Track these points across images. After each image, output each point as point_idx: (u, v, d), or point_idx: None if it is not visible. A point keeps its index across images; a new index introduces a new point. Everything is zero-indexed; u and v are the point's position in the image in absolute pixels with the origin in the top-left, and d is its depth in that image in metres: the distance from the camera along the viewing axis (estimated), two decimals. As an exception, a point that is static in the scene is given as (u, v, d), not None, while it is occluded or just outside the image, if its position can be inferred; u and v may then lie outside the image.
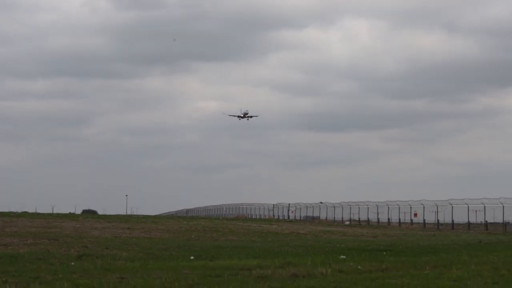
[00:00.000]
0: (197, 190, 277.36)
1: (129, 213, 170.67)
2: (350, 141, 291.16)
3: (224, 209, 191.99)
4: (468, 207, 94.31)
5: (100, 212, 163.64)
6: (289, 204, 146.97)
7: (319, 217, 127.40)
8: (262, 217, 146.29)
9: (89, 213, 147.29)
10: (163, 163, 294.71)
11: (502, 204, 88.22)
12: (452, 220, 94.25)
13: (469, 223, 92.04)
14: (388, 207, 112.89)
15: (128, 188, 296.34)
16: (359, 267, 23.16)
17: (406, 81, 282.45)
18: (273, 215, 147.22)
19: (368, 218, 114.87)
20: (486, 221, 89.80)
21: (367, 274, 21.21)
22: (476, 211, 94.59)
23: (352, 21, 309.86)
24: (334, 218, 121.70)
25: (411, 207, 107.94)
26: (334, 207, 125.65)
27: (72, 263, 25.20)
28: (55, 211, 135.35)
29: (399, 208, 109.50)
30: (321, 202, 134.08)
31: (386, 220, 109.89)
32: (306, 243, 46.11)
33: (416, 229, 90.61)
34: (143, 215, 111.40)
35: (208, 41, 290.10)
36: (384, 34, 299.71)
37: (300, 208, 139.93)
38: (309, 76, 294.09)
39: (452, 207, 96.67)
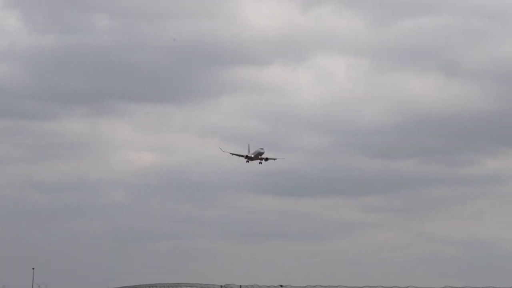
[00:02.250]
0: (124, 264, 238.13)
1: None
2: (320, 210, 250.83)
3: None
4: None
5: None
6: (240, 286, 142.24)
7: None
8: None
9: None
10: (81, 228, 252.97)
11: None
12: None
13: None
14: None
15: (35, 260, 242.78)
16: None
17: (392, 135, 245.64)
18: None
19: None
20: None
21: None
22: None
23: (327, 58, 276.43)
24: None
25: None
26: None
27: None
28: None
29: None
30: (281, 286, 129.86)
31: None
32: None
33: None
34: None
35: (145, 76, 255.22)
36: (366, 75, 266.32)
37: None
38: (271, 126, 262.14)
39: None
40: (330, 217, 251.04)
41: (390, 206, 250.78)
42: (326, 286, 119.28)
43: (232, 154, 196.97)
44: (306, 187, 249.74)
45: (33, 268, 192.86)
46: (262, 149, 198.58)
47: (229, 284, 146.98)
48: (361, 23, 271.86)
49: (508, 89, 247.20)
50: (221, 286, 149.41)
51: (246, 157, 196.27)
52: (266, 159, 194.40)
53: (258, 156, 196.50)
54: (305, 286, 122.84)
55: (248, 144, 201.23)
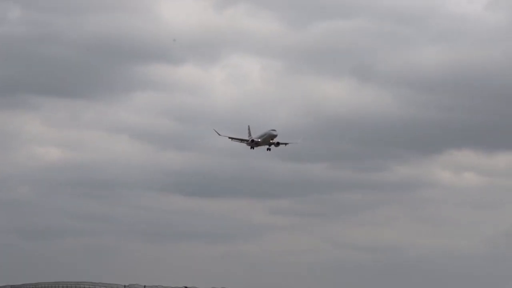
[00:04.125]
0: (27, 261, 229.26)
1: None
2: (229, 211, 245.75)
3: (61, 287, 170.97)
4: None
5: None
6: (144, 286, 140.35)
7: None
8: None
9: None
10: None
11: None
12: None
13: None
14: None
15: None
16: None
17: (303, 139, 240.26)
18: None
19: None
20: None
21: None
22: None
23: (241, 58, 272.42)
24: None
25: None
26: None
27: None
28: None
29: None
30: (186, 287, 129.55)
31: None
32: None
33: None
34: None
35: (58, 70, 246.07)
36: (279, 77, 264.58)
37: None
38: (182, 125, 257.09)
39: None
40: (239, 219, 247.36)
41: (299, 209, 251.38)
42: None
43: (232, 138, 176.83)
44: (216, 188, 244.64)
45: None
46: (274, 130, 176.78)
47: (133, 284, 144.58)
48: (276, 25, 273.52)
49: (421, 95, 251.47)
50: (124, 286, 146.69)
51: (252, 142, 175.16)
52: (278, 143, 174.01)
53: (268, 140, 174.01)
54: None
55: (249, 126, 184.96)
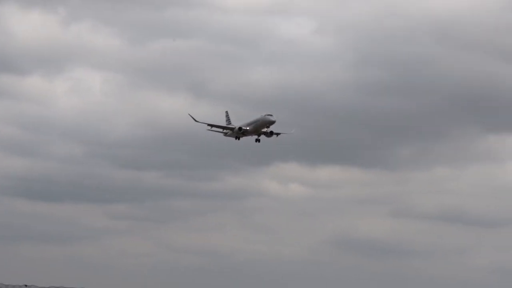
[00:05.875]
0: None
1: None
2: (69, 215, 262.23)
3: None
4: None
5: None
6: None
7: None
8: None
9: None
10: None
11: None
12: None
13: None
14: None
15: None
16: None
17: (140, 148, 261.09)
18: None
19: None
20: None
21: None
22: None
23: (84, 72, 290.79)
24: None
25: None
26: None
27: None
28: None
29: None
30: (26, 285, 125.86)
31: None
32: None
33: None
34: None
35: None
36: (119, 90, 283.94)
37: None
38: (28, 133, 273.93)
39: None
40: (79, 222, 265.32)
41: (136, 214, 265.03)
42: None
43: (212, 125, 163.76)
44: (57, 193, 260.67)
45: None
46: (271, 116, 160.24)
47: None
48: (118, 41, 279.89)
49: (252, 112, 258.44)
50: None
51: (239, 130, 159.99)
52: (271, 133, 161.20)
53: (261, 128, 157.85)
54: (49, 287, 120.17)
55: (227, 112, 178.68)
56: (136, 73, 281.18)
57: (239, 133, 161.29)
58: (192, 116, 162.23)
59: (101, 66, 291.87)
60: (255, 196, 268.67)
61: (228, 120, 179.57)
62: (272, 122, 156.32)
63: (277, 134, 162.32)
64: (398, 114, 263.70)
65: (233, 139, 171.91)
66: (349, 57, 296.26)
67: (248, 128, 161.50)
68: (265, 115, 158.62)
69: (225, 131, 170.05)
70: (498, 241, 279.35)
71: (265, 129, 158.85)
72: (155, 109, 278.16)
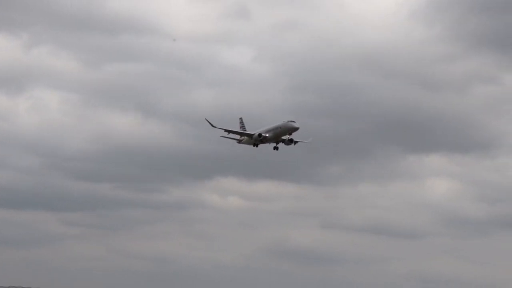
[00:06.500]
0: None
1: None
2: (29, 222, 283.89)
3: None
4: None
5: None
6: None
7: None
8: None
9: None
10: None
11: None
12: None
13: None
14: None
15: None
16: None
17: (94, 162, 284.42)
18: None
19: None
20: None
21: None
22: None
23: (43, 91, 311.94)
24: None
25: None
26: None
27: None
28: None
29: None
30: None
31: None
32: None
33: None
34: None
35: None
36: (76, 108, 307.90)
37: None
38: None
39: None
40: (36, 228, 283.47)
41: (88, 222, 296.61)
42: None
43: (229, 131, 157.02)
44: (17, 201, 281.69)
45: None
46: (294, 122, 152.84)
47: None
48: (75, 64, 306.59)
49: (196, 130, 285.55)
50: None
51: (259, 136, 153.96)
52: (291, 141, 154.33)
53: (282, 135, 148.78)
54: (8, 287, 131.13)
55: (241, 118, 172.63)
56: (91, 93, 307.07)
57: (258, 139, 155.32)
58: (209, 121, 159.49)
59: (59, 86, 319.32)
60: (197, 208, 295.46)
61: (242, 127, 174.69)
62: (296, 129, 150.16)
63: (295, 142, 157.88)
64: (328, 135, 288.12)
65: (245, 145, 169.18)
66: (284, 83, 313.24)
67: (267, 135, 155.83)
68: (288, 122, 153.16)
69: (241, 138, 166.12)
70: (417, 252, 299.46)
71: (286, 136, 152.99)
72: (107, 127, 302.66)
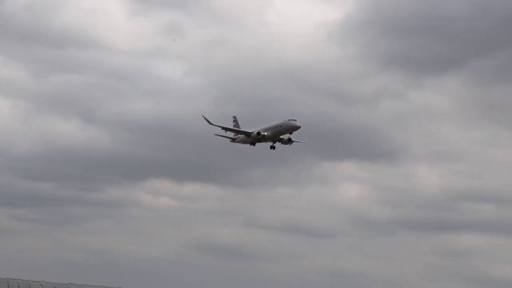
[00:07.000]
0: None
1: None
2: None
3: None
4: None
5: None
6: None
7: None
8: None
9: None
10: None
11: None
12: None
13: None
14: (8, 284, 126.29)
15: None
16: None
17: (40, 163, 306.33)
18: None
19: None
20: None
21: None
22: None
23: None
24: None
25: (30, 286, 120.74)
26: None
27: None
28: None
29: (18, 286, 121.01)
30: None
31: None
32: None
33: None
34: None
35: None
36: (24, 115, 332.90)
37: None
38: None
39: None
40: None
41: (35, 218, 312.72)
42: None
43: (226, 129, 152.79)
44: None
45: None
46: (295, 120, 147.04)
47: None
48: (24, 74, 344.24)
49: (132, 136, 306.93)
50: None
51: (258, 135, 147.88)
52: (289, 140, 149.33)
53: (281, 133, 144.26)
54: None
55: (234, 117, 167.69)
56: (38, 101, 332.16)
57: (256, 138, 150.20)
58: (206, 118, 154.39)
59: (9, 94, 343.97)
60: (132, 206, 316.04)
61: (237, 125, 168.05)
62: (297, 128, 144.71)
63: (291, 142, 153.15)
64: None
65: (240, 144, 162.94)
66: (212, 95, 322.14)
67: (266, 133, 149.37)
68: (289, 120, 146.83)
69: (235, 136, 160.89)
70: (329, 249, 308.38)
71: (284, 135, 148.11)
72: (52, 131, 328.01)
